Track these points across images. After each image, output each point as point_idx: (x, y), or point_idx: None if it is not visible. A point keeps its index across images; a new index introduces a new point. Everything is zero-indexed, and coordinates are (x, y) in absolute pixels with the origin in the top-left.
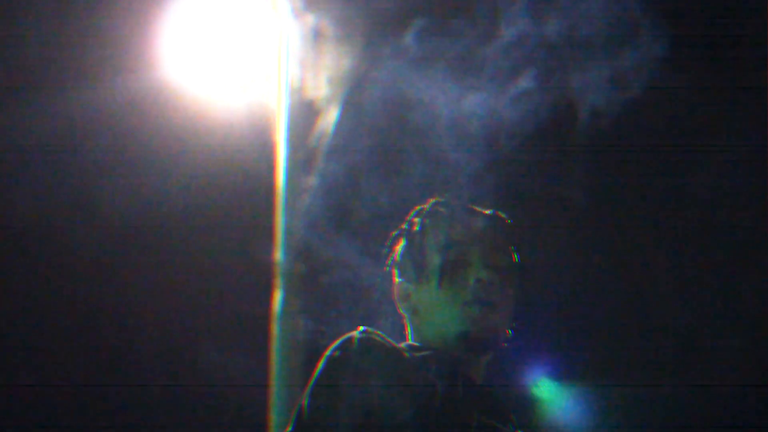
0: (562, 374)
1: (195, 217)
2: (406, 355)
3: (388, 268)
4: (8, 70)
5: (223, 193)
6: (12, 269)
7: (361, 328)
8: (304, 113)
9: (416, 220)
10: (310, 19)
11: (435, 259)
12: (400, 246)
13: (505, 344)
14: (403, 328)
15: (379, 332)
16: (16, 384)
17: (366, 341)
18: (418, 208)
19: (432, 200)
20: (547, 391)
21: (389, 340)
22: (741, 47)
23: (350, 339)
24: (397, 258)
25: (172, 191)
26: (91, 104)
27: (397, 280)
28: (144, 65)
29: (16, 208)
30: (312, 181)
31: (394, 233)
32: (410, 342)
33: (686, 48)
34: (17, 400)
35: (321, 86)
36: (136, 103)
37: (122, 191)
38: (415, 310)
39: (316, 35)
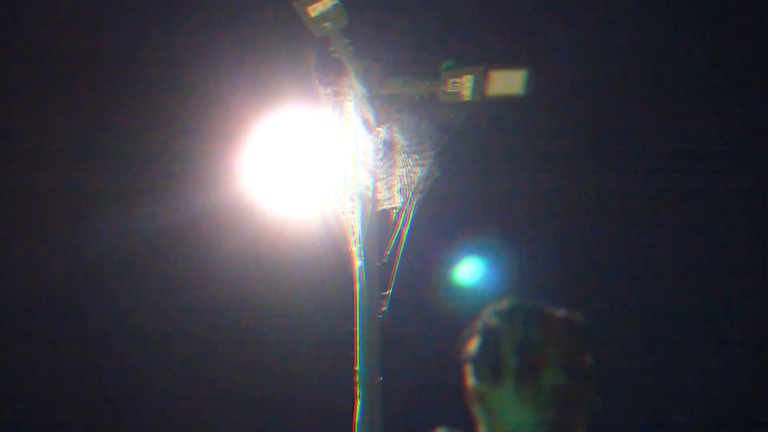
0: None
1: (272, 325)
2: None
3: (461, 367)
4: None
5: (301, 303)
6: None
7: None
8: (379, 223)
9: (491, 319)
10: (382, 132)
11: (512, 361)
12: (474, 344)
13: None
14: (475, 428)
15: None
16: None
17: None
18: (492, 307)
19: (507, 300)
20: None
21: None
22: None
23: None
24: (472, 356)
25: (251, 300)
26: (171, 217)
27: (471, 379)
28: (223, 179)
29: (92, 321)
30: (388, 289)
31: (468, 331)
32: None
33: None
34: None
35: (394, 196)
36: (216, 215)
37: (201, 302)
38: (490, 411)
39: (388, 147)
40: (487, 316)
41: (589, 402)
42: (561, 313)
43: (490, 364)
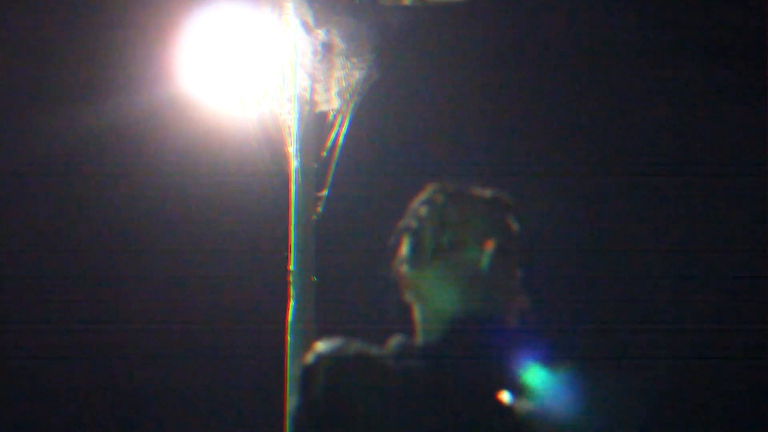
0: (553, 360)
1: (208, 226)
2: (384, 360)
3: (395, 260)
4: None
5: (236, 203)
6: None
7: (325, 344)
8: (316, 125)
9: (418, 208)
10: (321, 34)
11: (431, 243)
12: (404, 236)
13: (507, 325)
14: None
15: (351, 341)
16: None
17: (332, 357)
18: (419, 197)
19: (430, 187)
20: (538, 378)
21: (364, 348)
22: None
23: (319, 357)
24: (402, 248)
25: (186, 200)
26: (107, 117)
27: (403, 269)
28: (159, 79)
29: (28, 217)
30: (323, 191)
31: (401, 222)
32: (405, 340)
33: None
34: None
35: (331, 99)
36: (151, 117)
37: (136, 202)
38: (419, 296)
39: (327, 49)
40: (415, 205)
41: (511, 278)
42: (486, 192)
43: (413, 250)
